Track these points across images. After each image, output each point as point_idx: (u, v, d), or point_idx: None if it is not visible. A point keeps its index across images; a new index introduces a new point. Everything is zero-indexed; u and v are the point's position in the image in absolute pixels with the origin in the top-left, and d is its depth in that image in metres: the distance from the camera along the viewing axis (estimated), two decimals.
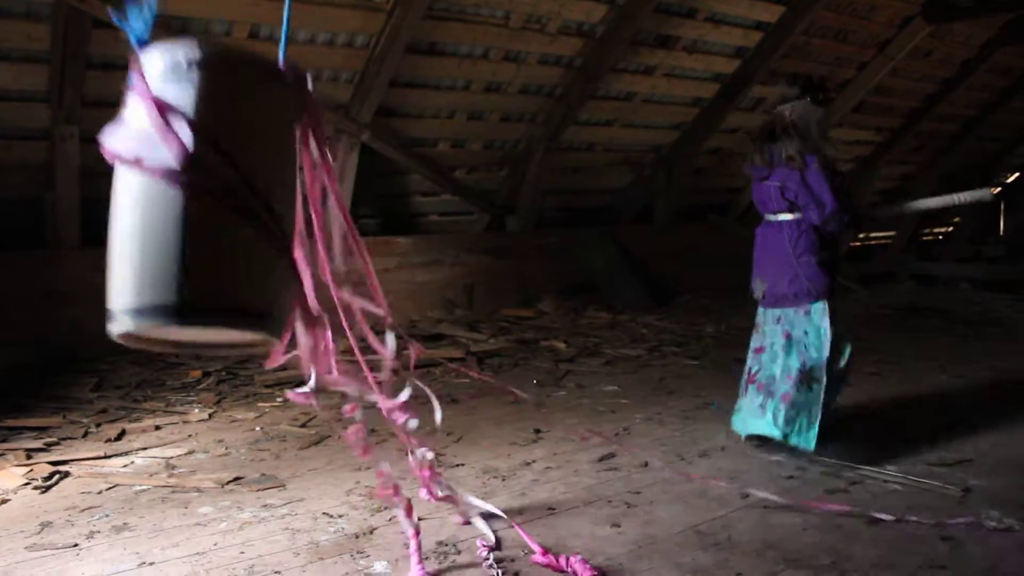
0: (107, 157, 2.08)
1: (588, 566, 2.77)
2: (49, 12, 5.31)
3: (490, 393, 5.23)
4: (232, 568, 2.83)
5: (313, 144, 2.36)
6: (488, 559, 2.84)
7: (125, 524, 3.22)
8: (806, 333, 3.99)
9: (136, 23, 2.05)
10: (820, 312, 3.98)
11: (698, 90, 9.00)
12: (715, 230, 10.26)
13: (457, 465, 3.92)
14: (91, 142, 6.10)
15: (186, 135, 1.94)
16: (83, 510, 3.36)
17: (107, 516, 3.30)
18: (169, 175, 1.95)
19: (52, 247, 6.01)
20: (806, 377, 3.93)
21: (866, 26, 9.40)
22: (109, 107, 6.25)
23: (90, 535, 3.11)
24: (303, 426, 4.55)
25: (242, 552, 2.96)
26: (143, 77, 1.97)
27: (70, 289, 5.96)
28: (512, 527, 3.12)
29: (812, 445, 3.89)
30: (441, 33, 6.92)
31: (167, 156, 1.94)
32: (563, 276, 8.54)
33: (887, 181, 12.65)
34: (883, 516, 3.21)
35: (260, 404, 4.98)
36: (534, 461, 3.96)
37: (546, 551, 2.84)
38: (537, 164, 8.29)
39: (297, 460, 4.00)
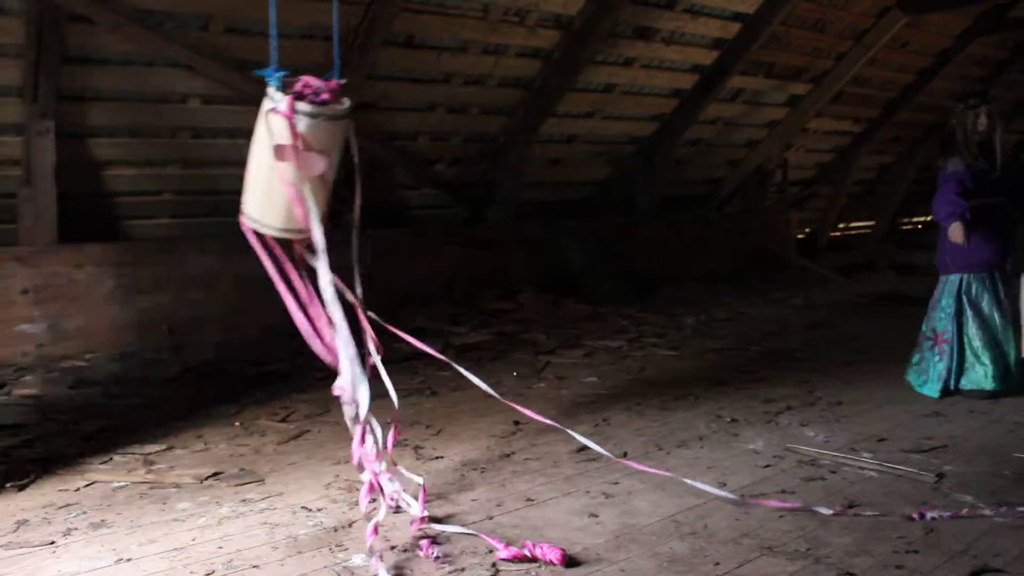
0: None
1: (552, 547, 2.80)
2: (22, 6, 5.26)
3: (470, 386, 5.24)
4: (210, 563, 2.83)
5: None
6: (435, 553, 2.86)
7: (103, 521, 3.21)
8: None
9: (276, 79, 3.21)
10: (940, 284, 4.95)
11: (677, 81, 9.01)
12: (695, 221, 10.29)
13: (436, 458, 3.93)
14: (67, 137, 6.09)
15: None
16: (60, 507, 3.35)
17: (84, 513, 3.29)
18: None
19: (28, 244, 5.96)
20: (924, 336, 5.01)
21: (843, 16, 9.43)
22: (85, 101, 6.23)
23: (67, 532, 3.11)
24: (282, 421, 4.55)
25: (220, 547, 2.96)
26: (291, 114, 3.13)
27: (47, 285, 5.92)
28: (475, 527, 3.13)
29: (925, 391, 4.89)
30: (419, 26, 6.90)
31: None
32: (543, 269, 8.55)
33: (866, 171, 12.71)
34: (823, 510, 3.24)
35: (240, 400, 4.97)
36: (513, 453, 3.98)
37: (508, 545, 2.84)
38: (517, 157, 8.28)
39: (276, 455, 4.00)
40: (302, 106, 3.15)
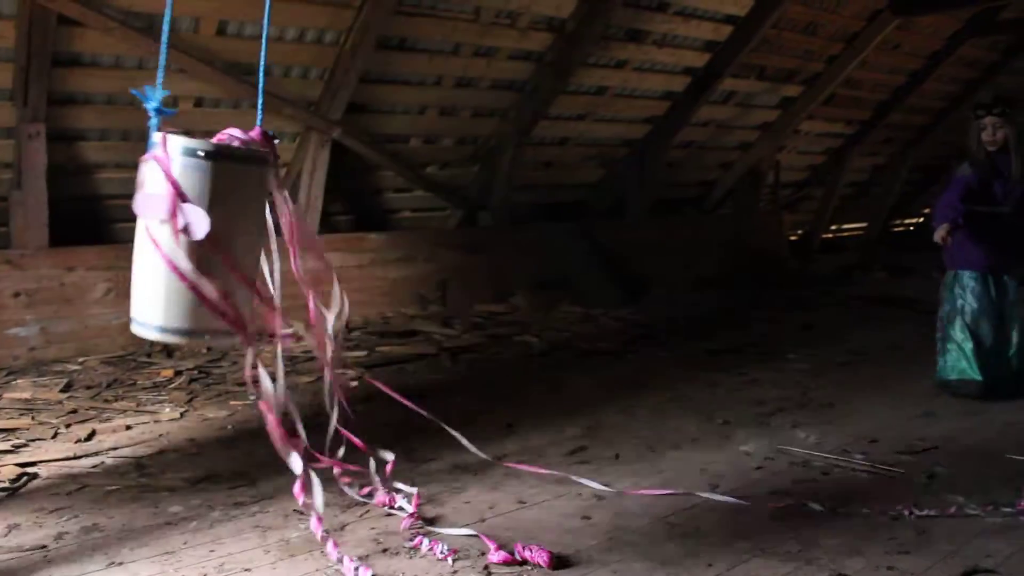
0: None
1: (541, 550, 2.80)
2: (13, 9, 5.25)
3: (462, 389, 5.25)
4: (202, 567, 2.83)
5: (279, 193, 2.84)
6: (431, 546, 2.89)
7: (94, 525, 3.20)
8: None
9: (155, 102, 2.54)
10: (947, 277, 5.00)
11: (669, 84, 9.03)
12: (688, 223, 10.31)
13: (428, 460, 3.92)
14: (58, 140, 6.08)
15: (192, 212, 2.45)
16: (51, 512, 3.34)
17: (76, 517, 3.28)
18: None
19: (20, 247, 5.94)
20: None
21: (835, 19, 9.47)
22: (76, 104, 6.22)
23: (58, 536, 3.09)
24: None
25: (212, 551, 2.95)
26: (166, 155, 2.47)
27: (39, 289, 5.91)
28: (469, 528, 3.12)
29: (937, 376, 4.97)
30: (411, 29, 6.91)
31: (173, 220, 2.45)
32: (536, 271, 8.55)
33: (858, 173, 12.76)
34: (815, 506, 3.27)
35: (232, 403, 4.96)
36: (505, 455, 3.97)
37: (499, 547, 2.85)
38: (509, 159, 8.29)
39: (269, 458, 3.97)
40: (179, 141, 2.50)
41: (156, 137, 2.50)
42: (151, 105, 2.52)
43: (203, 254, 2.47)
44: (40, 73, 5.49)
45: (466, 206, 8.50)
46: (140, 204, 2.50)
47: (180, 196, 2.43)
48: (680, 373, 5.66)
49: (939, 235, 4.70)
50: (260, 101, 2.99)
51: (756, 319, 7.78)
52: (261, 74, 2.98)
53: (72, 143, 6.09)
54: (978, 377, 4.80)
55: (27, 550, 2.97)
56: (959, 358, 4.86)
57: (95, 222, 6.50)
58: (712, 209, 11.00)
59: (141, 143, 6.30)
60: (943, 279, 5.08)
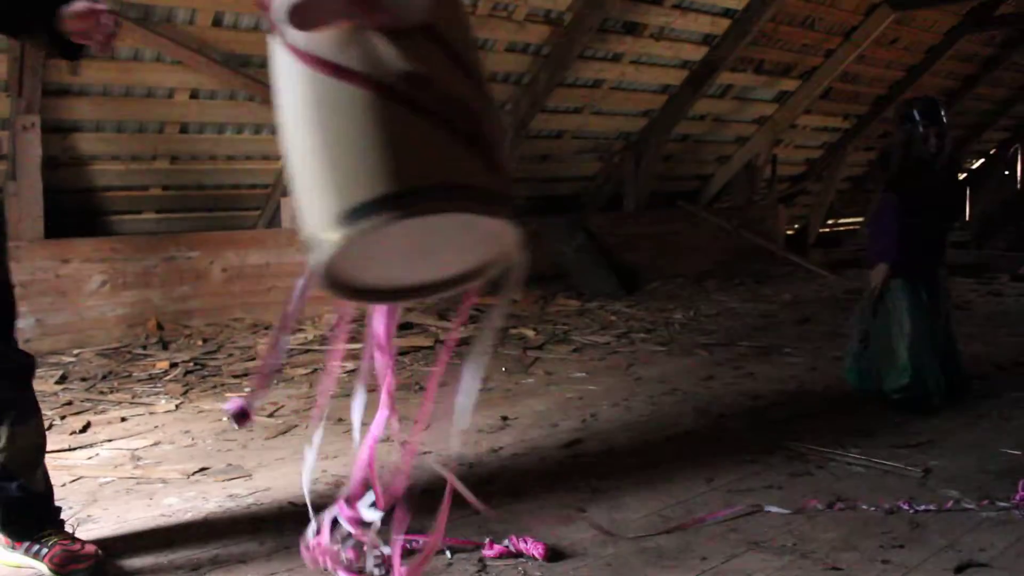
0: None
1: (536, 543, 2.81)
2: None
3: (458, 380, 5.24)
4: (196, 559, 2.83)
5: None
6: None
7: (89, 516, 3.20)
8: None
9: None
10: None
11: (666, 77, 9.02)
12: (684, 217, 10.31)
13: (423, 453, 3.92)
14: (53, 132, 6.04)
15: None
16: None
17: (70, 508, 3.27)
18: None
19: (14, 239, 5.92)
20: None
21: (832, 13, 9.46)
22: (71, 96, 6.19)
23: None
24: (270, 416, 4.54)
25: (207, 542, 2.95)
26: None
27: (34, 281, 5.89)
28: (462, 523, 3.12)
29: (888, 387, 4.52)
30: None
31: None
32: (532, 264, 8.39)
33: (855, 167, 12.75)
34: (810, 500, 3.26)
35: (228, 394, 4.96)
36: (501, 448, 3.98)
37: (493, 542, 2.85)
38: (506, 152, 8.26)
39: (264, 450, 3.99)
40: None
41: None
42: None
43: (423, 56, 1.56)
44: (35, 64, 5.47)
45: None
46: (295, 16, 1.49)
47: None
48: (675, 366, 5.66)
49: (876, 283, 4.54)
50: None
51: (752, 313, 7.78)
52: None
53: (67, 135, 6.07)
54: (911, 382, 4.46)
55: None
56: (893, 366, 4.52)
57: (90, 214, 6.49)
58: (709, 203, 10.99)
59: (137, 134, 6.35)
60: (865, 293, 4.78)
